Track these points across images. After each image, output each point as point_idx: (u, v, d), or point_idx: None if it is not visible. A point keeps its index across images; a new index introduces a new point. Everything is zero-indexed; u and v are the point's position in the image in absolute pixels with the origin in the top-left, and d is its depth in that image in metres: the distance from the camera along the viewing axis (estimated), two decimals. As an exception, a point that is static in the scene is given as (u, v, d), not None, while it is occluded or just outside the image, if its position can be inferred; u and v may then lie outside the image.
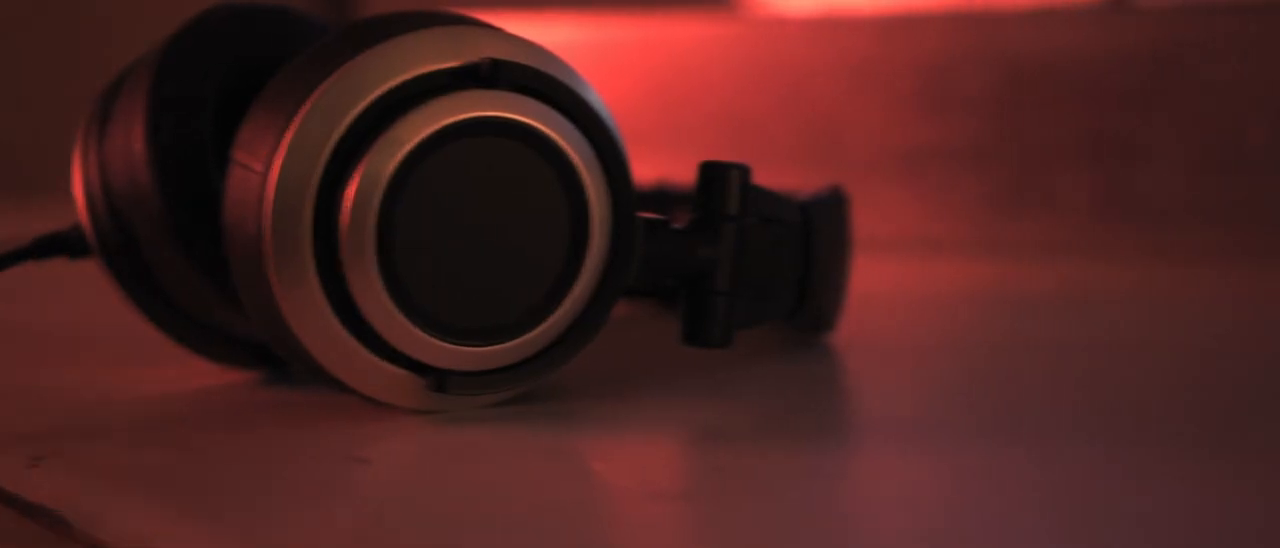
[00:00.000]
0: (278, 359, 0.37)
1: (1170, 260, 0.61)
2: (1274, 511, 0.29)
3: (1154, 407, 0.38)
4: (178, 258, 0.35)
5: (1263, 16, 0.60)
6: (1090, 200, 0.63)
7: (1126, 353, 0.45)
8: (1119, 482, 0.31)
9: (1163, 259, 0.61)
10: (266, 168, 0.32)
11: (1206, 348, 0.46)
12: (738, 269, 0.35)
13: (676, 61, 0.70)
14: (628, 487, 0.31)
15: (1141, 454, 0.33)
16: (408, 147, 0.31)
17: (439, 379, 0.33)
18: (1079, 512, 0.29)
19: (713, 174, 0.35)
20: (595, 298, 0.34)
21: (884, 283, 0.56)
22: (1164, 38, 0.62)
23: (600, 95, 0.34)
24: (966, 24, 0.65)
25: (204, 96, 0.36)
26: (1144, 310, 0.53)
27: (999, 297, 0.56)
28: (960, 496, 0.30)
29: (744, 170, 0.35)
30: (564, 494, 0.30)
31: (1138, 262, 0.61)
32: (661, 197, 0.53)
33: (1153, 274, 0.59)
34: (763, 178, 0.41)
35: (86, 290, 0.42)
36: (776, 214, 0.38)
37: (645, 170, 0.54)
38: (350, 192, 0.31)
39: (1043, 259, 0.62)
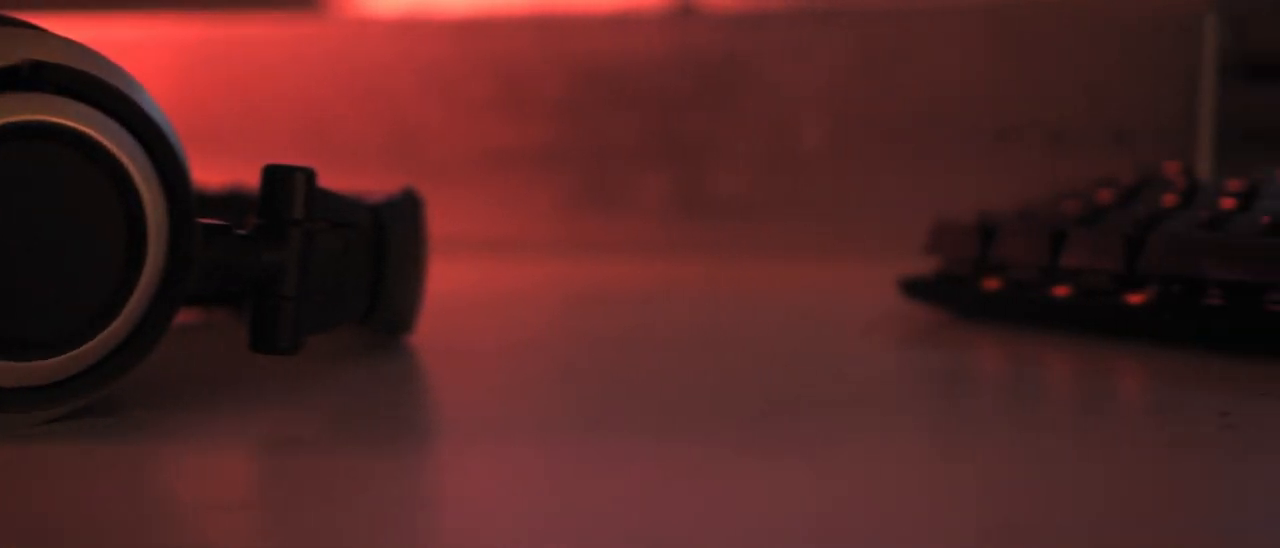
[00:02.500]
0: None
1: (738, 255, 0.63)
2: (816, 502, 0.30)
3: (721, 399, 0.39)
4: None
5: (819, 22, 0.64)
6: (663, 199, 0.65)
7: (699, 346, 0.47)
8: (684, 476, 0.32)
9: (731, 254, 0.64)
10: None
11: (769, 339, 0.48)
12: (305, 273, 0.35)
13: (254, 63, 0.69)
14: (191, 499, 0.30)
15: (704, 448, 0.34)
16: (-59, 153, 0.30)
17: (-16, 396, 0.31)
18: (643, 507, 0.30)
19: (276, 178, 0.35)
20: (154, 307, 0.33)
21: (465, 284, 0.56)
22: (729, 42, 0.65)
23: (156, 98, 0.33)
24: (542, 28, 0.67)
25: None
26: (716, 304, 0.55)
27: (578, 295, 0.58)
28: (529, 494, 0.31)
29: (309, 174, 0.35)
30: (122, 510, 0.29)
31: (709, 257, 0.63)
32: (235, 201, 0.51)
33: (723, 269, 0.61)
34: (343, 181, 0.41)
35: None
36: (346, 217, 0.38)
37: (221, 175, 0.53)
38: (-123, 201, 0.30)
39: (621, 257, 0.64)
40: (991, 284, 0.47)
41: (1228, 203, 0.47)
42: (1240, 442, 0.34)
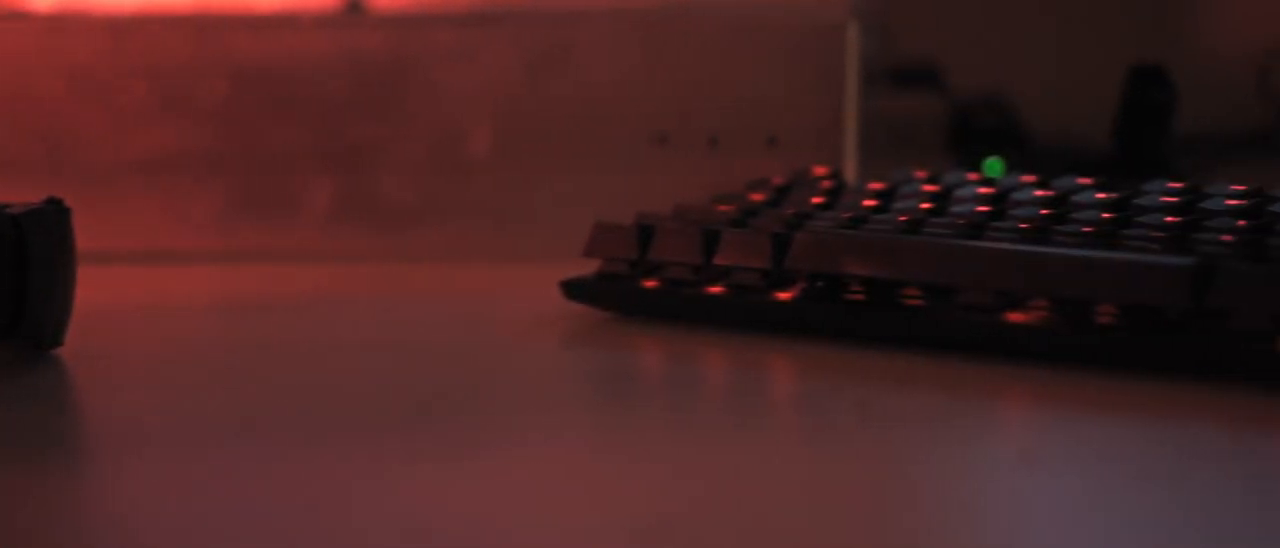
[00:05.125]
0: None
1: (404, 261, 0.63)
2: (468, 503, 0.31)
3: (377, 403, 0.39)
4: None
5: (486, 26, 0.64)
6: (329, 204, 0.64)
7: (359, 351, 0.47)
8: (331, 479, 0.32)
9: (397, 260, 0.63)
10: None
11: (431, 344, 0.48)
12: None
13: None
14: None
15: (355, 450, 0.34)
16: None
17: None
18: (289, 511, 0.29)
19: (-97, 188, 0.33)
20: None
21: (120, 296, 0.55)
22: (394, 43, 0.64)
23: None
24: (201, 27, 0.65)
25: None
26: (379, 310, 0.55)
27: (238, 304, 0.57)
28: (177, 501, 0.30)
29: (-61, 184, 0.34)
30: None
31: (375, 263, 0.63)
32: None
33: (389, 274, 0.61)
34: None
35: None
36: (-17, 228, 0.36)
37: None
38: None
39: (285, 265, 0.63)
40: (649, 284, 0.49)
41: (869, 203, 0.49)
42: (875, 432, 0.36)
